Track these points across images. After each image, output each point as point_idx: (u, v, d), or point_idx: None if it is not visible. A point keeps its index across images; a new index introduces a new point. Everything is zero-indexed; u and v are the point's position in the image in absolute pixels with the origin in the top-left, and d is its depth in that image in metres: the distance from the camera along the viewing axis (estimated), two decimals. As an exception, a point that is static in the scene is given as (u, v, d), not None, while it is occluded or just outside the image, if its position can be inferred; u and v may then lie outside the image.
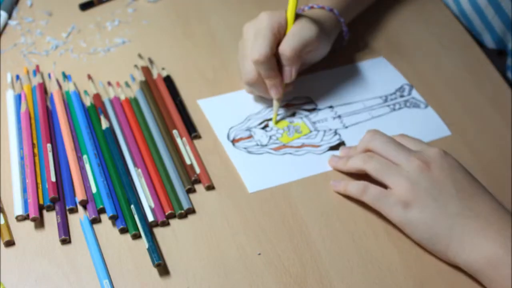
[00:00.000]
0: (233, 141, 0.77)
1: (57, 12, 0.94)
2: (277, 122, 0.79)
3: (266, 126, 0.79)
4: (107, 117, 0.77)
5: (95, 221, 0.67)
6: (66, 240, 0.65)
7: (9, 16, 0.93)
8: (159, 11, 0.96)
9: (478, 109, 0.82)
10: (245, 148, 0.76)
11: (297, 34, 0.75)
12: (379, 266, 0.65)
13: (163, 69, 0.84)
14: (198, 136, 0.76)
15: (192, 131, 0.76)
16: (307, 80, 0.84)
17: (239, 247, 0.66)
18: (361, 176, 0.70)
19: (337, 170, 0.73)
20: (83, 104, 0.78)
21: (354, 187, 0.68)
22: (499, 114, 0.81)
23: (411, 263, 0.65)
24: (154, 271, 0.63)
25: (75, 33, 0.91)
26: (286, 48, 0.75)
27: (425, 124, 0.79)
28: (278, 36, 0.76)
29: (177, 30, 0.93)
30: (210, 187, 0.71)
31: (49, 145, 0.72)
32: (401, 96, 0.83)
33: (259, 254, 0.65)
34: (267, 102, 0.81)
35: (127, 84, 0.82)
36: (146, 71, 0.83)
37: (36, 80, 0.81)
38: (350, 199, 0.70)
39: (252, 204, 0.70)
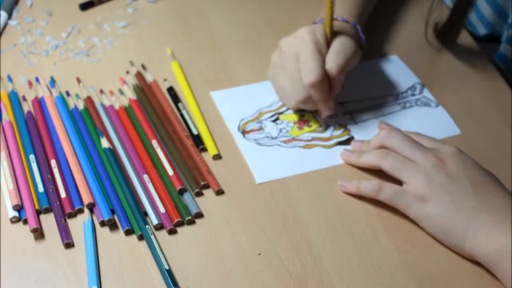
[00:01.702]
0: (244, 133, 0.77)
1: (57, 12, 0.95)
2: (285, 116, 0.79)
3: (277, 119, 0.79)
4: (100, 123, 0.77)
5: (102, 224, 0.67)
6: (70, 243, 0.65)
7: (9, 16, 0.93)
8: (159, 11, 0.96)
9: (478, 109, 0.82)
10: (255, 139, 0.77)
11: (341, 51, 0.75)
12: (379, 266, 0.65)
13: (165, 80, 0.84)
14: (204, 149, 0.76)
15: (199, 143, 0.75)
16: None
17: (239, 247, 0.66)
18: (370, 172, 0.72)
19: (349, 164, 0.74)
20: (76, 108, 0.78)
21: (369, 187, 0.69)
22: (499, 114, 0.81)
23: (411, 263, 0.65)
24: (154, 271, 0.63)
25: (75, 33, 0.91)
26: (333, 66, 0.74)
27: (435, 122, 0.79)
28: (323, 54, 0.76)
29: (177, 30, 0.93)
30: (220, 192, 0.71)
31: (32, 156, 0.71)
32: (413, 94, 0.83)
33: (259, 254, 0.65)
34: None
35: (121, 92, 0.82)
36: (140, 77, 0.83)
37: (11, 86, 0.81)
38: (350, 199, 0.70)
39: (252, 204, 0.70)
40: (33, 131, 0.75)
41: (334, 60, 0.75)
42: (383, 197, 0.68)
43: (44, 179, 0.69)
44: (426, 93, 0.83)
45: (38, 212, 0.67)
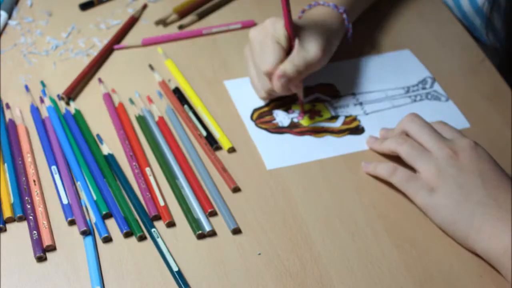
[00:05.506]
0: (256, 121, 0.79)
1: (57, 12, 0.95)
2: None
3: (289, 108, 0.81)
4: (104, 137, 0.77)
5: (85, 233, 0.65)
6: (42, 257, 0.63)
7: (9, 16, 0.93)
8: (159, 11, 0.96)
9: (478, 109, 0.82)
10: (266, 128, 0.78)
11: (301, 56, 0.75)
12: (379, 266, 0.65)
13: (169, 80, 0.84)
14: (219, 148, 0.76)
15: (213, 143, 0.76)
16: (331, 67, 0.84)
17: (239, 247, 0.66)
18: (392, 159, 0.73)
19: (372, 150, 0.75)
20: (68, 112, 0.78)
21: (384, 168, 0.71)
22: (499, 114, 0.81)
23: (411, 263, 0.65)
24: (154, 271, 0.63)
25: (75, 33, 0.91)
26: (289, 70, 0.74)
27: (444, 116, 0.80)
28: (284, 45, 0.76)
29: (177, 30, 0.93)
30: (236, 189, 0.71)
31: (6, 165, 0.71)
32: (423, 88, 0.84)
33: (259, 254, 0.65)
34: None
35: (131, 101, 0.82)
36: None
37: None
38: (350, 199, 0.70)
39: (252, 204, 0.70)
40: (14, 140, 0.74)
41: (290, 63, 0.74)
42: (395, 179, 0.69)
43: (20, 188, 0.69)
44: (437, 87, 0.84)
45: (11, 220, 0.67)
